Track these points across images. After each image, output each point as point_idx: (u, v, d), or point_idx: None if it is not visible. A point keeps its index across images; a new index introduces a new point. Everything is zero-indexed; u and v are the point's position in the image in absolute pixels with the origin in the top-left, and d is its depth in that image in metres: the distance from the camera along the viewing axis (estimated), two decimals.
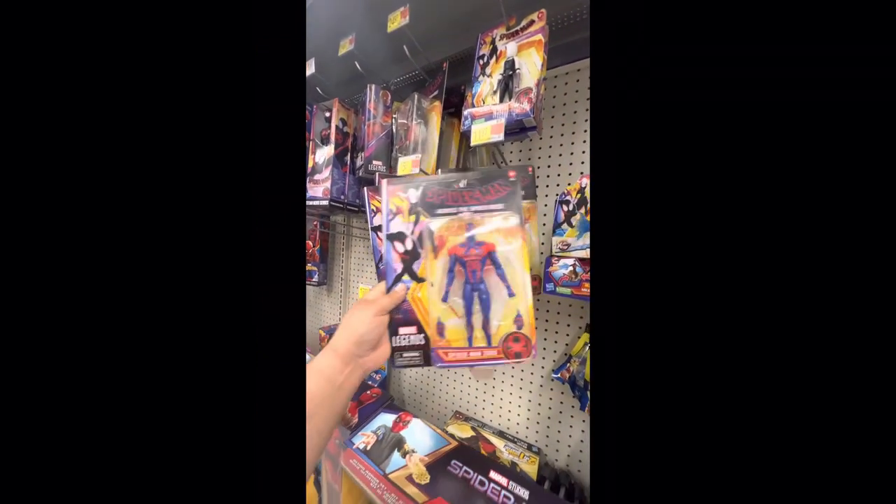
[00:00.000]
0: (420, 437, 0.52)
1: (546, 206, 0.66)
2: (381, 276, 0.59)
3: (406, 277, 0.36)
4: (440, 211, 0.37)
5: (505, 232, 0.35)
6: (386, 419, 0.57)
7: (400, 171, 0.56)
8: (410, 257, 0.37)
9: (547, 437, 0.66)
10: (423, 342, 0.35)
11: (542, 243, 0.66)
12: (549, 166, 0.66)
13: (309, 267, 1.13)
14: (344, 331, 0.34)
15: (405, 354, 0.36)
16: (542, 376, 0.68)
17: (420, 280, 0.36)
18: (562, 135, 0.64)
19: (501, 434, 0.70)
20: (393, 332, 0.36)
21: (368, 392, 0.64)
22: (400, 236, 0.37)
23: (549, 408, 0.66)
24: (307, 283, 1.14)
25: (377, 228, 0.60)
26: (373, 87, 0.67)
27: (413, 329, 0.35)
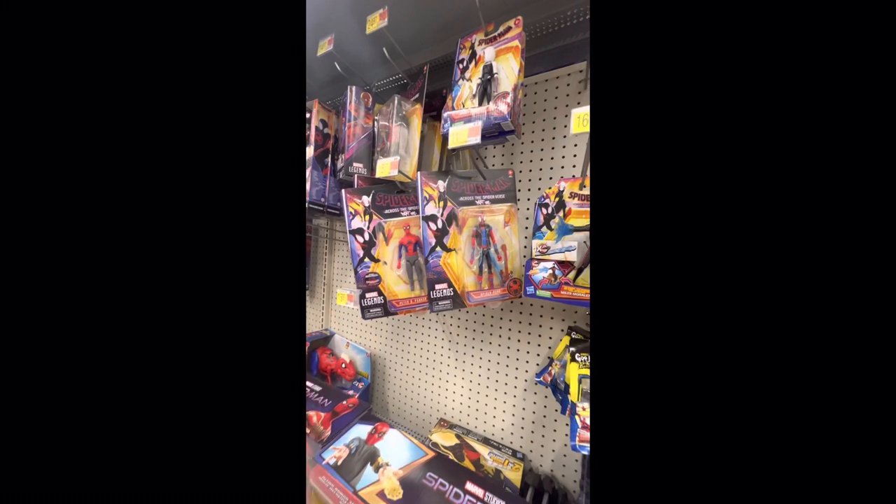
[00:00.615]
0: (396, 448, 0.50)
1: (528, 209, 0.67)
2: (359, 281, 0.57)
3: (438, 249, 0.53)
4: (462, 199, 0.53)
5: (503, 217, 0.54)
6: (361, 431, 0.54)
7: (378, 173, 0.55)
8: (441, 233, 0.53)
9: (531, 441, 0.66)
10: (453, 294, 0.53)
11: (525, 246, 0.66)
12: (530, 171, 0.67)
13: None
14: None
15: (440, 302, 0.52)
16: (525, 380, 0.67)
17: (449, 250, 0.53)
18: (542, 140, 0.65)
19: (486, 441, 0.69)
20: (431, 287, 0.52)
21: (345, 402, 0.61)
22: (433, 218, 0.53)
23: (534, 412, 0.66)
24: None
25: (356, 231, 0.58)
26: (353, 88, 0.66)
27: (444, 285, 0.52)
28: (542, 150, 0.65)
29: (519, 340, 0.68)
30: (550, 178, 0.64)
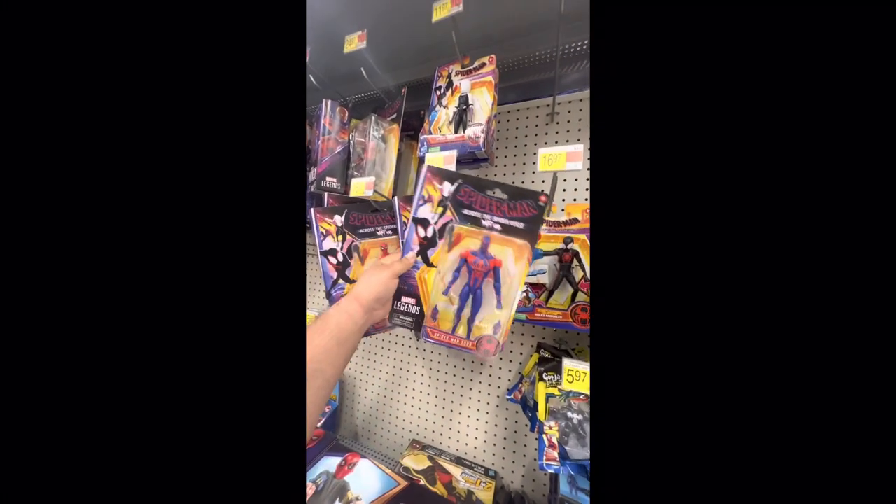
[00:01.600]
0: (367, 480, 0.48)
1: None
2: (333, 300, 0.55)
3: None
4: (466, 211, 0.40)
5: (515, 253, 0.38)
6: (329, 463, 0.51)
7: (353, 192, 0.54)
8: (428, 244, 0.42)
9: (503, 458, 0.67)
10: (418, 313, 0.42)
11: None
12: None
13: None
14: (364, 286, 0.40)
15: (401, 316, 0.43)
16: (497, 397, 0.68)
17: (431, 265, 0.41)
18: (514, 164, 0.69)
19: (459, 461, 0.68)
20: (396, 297, 0.43)
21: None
22: (424, 223, 0.42)
23: (505, 428, 0.67)
24: None
25: (328, 253, 0.56)
26: (328, 102, 0.64)
27: (413, 301, 0.42)
28: (513, 174, 0.69)
29: (501, 358, 0.69)
30: None
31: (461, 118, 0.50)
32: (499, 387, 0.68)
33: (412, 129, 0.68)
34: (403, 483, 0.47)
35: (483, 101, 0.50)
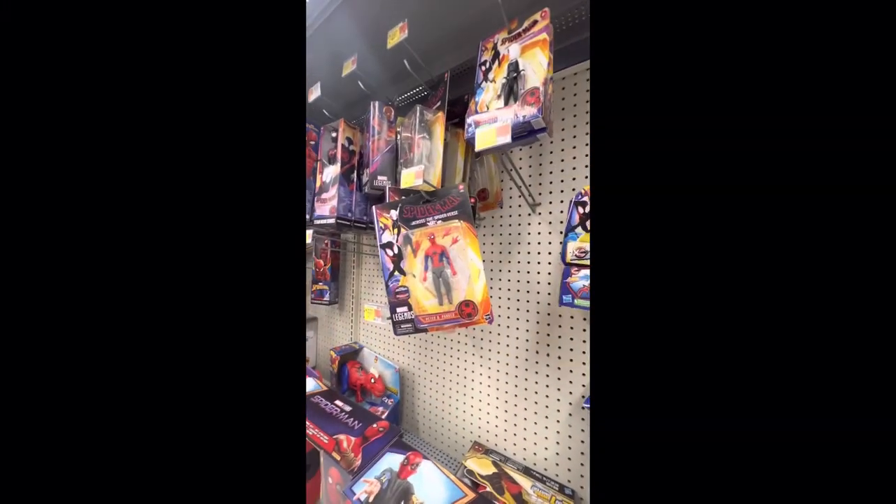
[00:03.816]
0: (431, 485, 0.46)
1: (562, 212, 0.61)
2: (390, 295, 0.56)
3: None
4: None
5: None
6: (392, 461, 0.51)
7: (403, 184, 0.54)
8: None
9: (581, 476, 0.58)
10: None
11: (550, 252, 0.61)
12: (562, 171, 0.62)
13: (320, 286, 1.13)
14: None
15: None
16: (570, 403, 0.60)
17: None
18: (574, 136, 0.60)
19: (527, 471, 0.62)
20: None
21: (375, 426, 0.59)
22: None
23: (581, 441, 0.58)
24: (319, 302, 1.13)
25: (386, 245, 0.57)
26: (376, 103, 0.67)
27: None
28: (574, 147, 0.60)
29: (560, 357, 0.61)
30: (586, 177, 0.59)
31: (511, 88, 0.45)
32: (570, 392, 0.60)
33: (456, 117, 0.65)
34: (471, 494, 0.44)
35: (536, 64, 0.44)
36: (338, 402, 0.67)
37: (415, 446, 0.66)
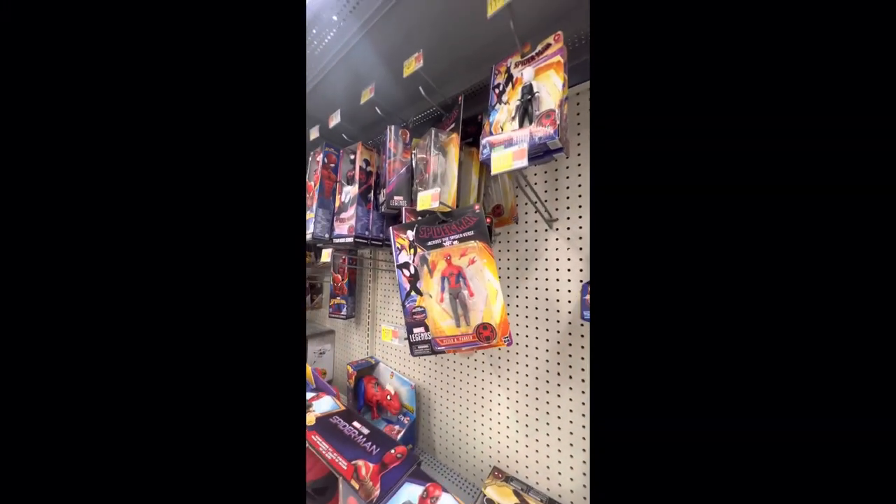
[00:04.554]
0: None
1: (581, 228, 0.60)
2: (407, 315, 0.56)
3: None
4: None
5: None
6: (411, 493, 0.49)
7: (419, 206, 0.55)
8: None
9: None
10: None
11: (569, 279, 0.58)
12: (579, 185, 0.60)
13: (338, 300, 1.15)
14: None
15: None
16: None
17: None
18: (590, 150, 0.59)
19: (552, 503, 0.58)
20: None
21: (393, 451, 0.57)
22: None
23: None
24: (337, 316, 1.15)
25: (403, 266, 0.58)
26: (392, 127, 0.69)
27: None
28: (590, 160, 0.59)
29: (584, 381, 0.58)
30: None
31: (525, 110, 0.45)
32: None
33: (470, 137, 0.66)
34: None
35: (551, 86, 0.44)
36: (355, 424, 0.67)
37: (432, 470, 0.63)
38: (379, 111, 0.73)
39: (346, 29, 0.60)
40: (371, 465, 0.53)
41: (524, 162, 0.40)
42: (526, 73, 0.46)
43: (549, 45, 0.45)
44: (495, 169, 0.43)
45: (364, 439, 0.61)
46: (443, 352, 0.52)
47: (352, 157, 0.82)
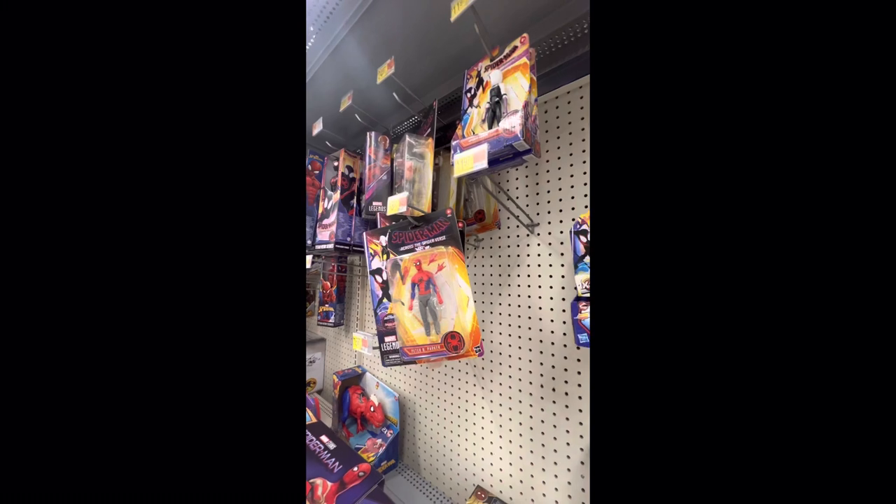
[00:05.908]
0: None
1: (561, 232, 0.58)
2: (378, 323, 0.54)
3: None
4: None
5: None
6: None
7: (389, 211, 0.54)
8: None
9: None
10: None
11: (563, 286, 0.56)
12: (559, 189, 0.59)
13: (326, 308, 1.14)
14: None
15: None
16: (581, 449, 0.52)
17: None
18: (571, 154, 0.57)
19: None
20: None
21: (355, 469, 0.54)
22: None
23: None
24: (325, 323, 1.13)
25: (375, 272, 0.57)
26: (372, 133, 0.69)
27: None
28: (571, 165, 0.57)
29: (567, 394, 0.55)
30: (585, 195, 0.55)
31: (494, 112, 0.44)
32: (582, 436, 0.52)
33: (447, 142, 0.66)
34: None
35: (518, 87, 0.43)
36: (323, 438, 0.64)
37: (412, 489, 0.59)
38: (359, 119, 0.74)
39: (323, 37, 0.61)
40: (329, 483, 0.50)
41: (484, 164, 0.38)
42: (493, 76, 0.46)
43: (515, 48, 0.45)
44: (457, 171, 0.41)
45: (328, 455, 0.58)
46: (412, 362, 0.50)
47: (335, 163, 0.82)
